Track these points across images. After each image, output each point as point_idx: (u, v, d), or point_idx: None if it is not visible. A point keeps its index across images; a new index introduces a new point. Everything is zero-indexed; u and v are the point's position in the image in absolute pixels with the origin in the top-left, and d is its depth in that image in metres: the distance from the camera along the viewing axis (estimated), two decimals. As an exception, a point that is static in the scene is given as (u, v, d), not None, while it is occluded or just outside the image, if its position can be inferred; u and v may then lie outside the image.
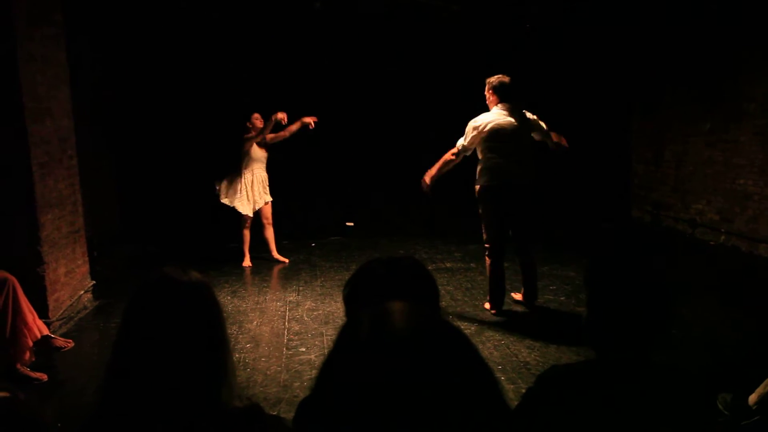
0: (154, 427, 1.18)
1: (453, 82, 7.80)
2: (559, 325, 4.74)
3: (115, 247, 7.02)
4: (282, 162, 6.93)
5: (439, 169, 5.00)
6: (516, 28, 7.95)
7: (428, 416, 0.67)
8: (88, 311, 5.26)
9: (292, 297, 5.58)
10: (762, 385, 3.08)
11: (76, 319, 5.03)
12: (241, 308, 5.29)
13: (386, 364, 0.69)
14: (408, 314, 0.76)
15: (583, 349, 3.92)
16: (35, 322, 3.94)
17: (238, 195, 6.46)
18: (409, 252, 7.14)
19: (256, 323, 4.93)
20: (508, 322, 4.80)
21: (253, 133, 6.44)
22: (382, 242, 7.73)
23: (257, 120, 6.49)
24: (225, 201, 6.46)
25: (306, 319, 4.98)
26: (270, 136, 6.53)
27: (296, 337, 4.56)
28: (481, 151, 4.86)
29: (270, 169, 6.67)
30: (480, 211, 4.96)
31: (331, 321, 4.88)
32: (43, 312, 4.38)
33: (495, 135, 4.77)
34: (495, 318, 4.89)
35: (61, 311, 4.80)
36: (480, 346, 4.10)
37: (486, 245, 4.94)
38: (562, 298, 5.36)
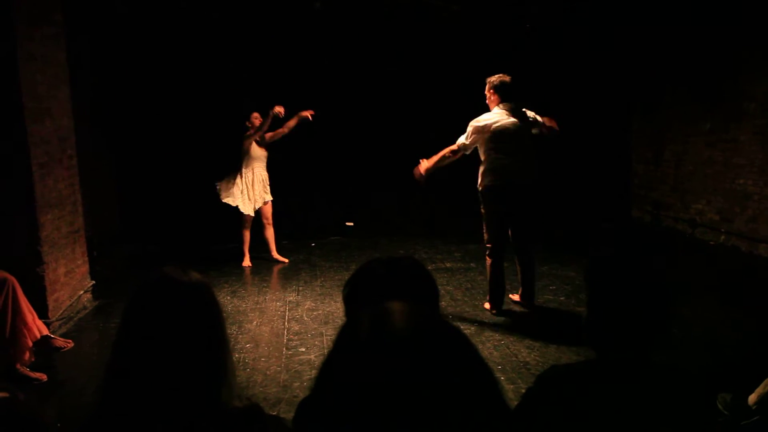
0: (154, 427, 1.18)
1: (453, 82, 7.80)
2: (559, 325, 4.73)
3: (115, 247, 7.02)
4: (282, 161, 6.93)
5: (436, 163, 4.98)
6: (516, 28, 7.95)
7: (428, 416, 0.67)
8: (87, 311, 5.26)
9: (291, 297, 5.58)
10: (762, 385, 3.08)
11: (75, 319, 5.03)
12: (240, 308, 5.29)
13: (386, 364, 0.69)
14: (408, 314, 0.76)
15: (583, 349, 3.92)
16: (35, 322, 3.94)
17: (239, 194, 6.46)
18: (409, 252, 7.14)
19: (256, 323, 4.93)
20: (507, 322, 4.80)
21: (252, 132, 6.44)
22: (382, 242, 7.73)
23: (256, 119, 6.50)
24: (227, 200, 6.46)
25: (306, 319, 4.98)
26: (269, 135, 6.53)
27: (296, 337, 4.56)
28: (485, 152, 4.86)
29: (270, 168, 6.67)
30: (482, 210, 4.96)
31: (330, 321, 4.87)
32: (42, 312, 4.38)
33: (499, 135, 4.77)
34: (495, 318, 4.89)
35: (61, 311, 4.80)
36: (480, 346, 4.11)
37: (487, 245, 4.94)
38: (561, 298, 5.36)
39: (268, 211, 6.67)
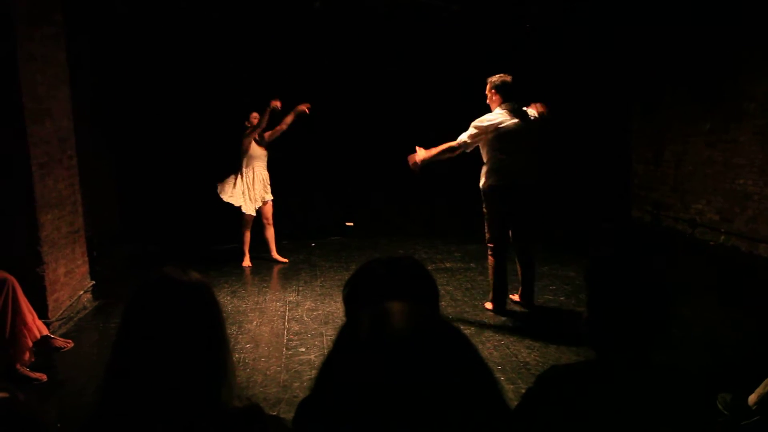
0: (154, 427, 1.18)
1: (453, 82, 7.80)
2: (559, 325, 4.73)
3: (115, 247, 7.02)
4: (282, 161, 6.93)
5: (434, 156, 4.94)
6: (516, 28, 7.95)
7: (428, 416, 0.67)
8: (87, 311, 5.26)
9: (291, 297, 5.58)
10: (762, 386, 3.08)
11: (75, 319, 5.03)
12: (240, 308, 5.29)
13: (386, 364, 0.69)
14: (408, 314, 0.76)
15: (583, 349, 3.92)
16: (35, 323, 3.94)
17: (240, 194, 6.46)
18: (408, 252, 7.14)
19: (256, 323, 4.93)
20: (507, 322, 4.80)
21: (251, 129, 6.45)
22: (382, 242, 7.73)
23: (255, 119, 6.50)
24: (230, 200, 6.45)
25: (306, 319, 4.98)
26: (268, 134, 6.55)
27: (296, 338, 4.56)
28: (489, 152, 4.85)
29: (270, 168, 6.68)
30: (484, 210, 4.95)
31: (330, 321, 4.87)
32: (42, 312, 4.38)
33: (504, 136, 4.76)
34: (495, 318, 4.89)
35: (61, 311, 4.80)
36: (480, 346, 4.10)
37: (489, 245, 4.94)
38: (561, 298, 5.36)
39: (269, 210, 6.67)
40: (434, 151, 4.95)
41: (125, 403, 1.21)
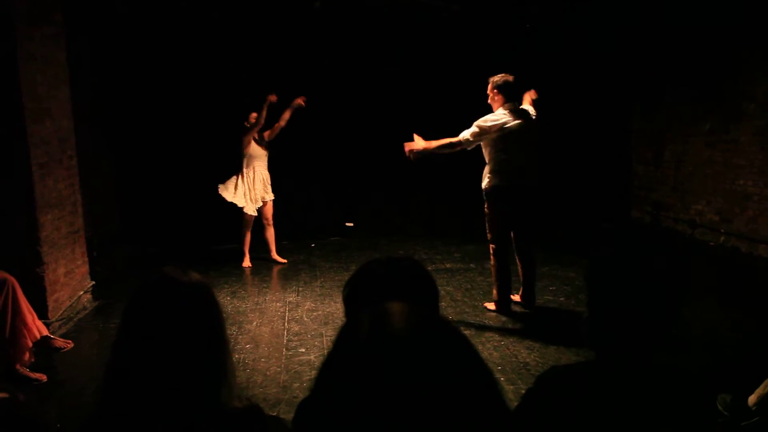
0: (154, 427, 1.18)
1: (453, 82, 7.79)
2: (559, 325, 4.73)
3: (115, 247, 7.02)
4: (282, 161, 6.93)
5: (434, 149, 4.89)
6: (516, 28, 7.95)
7: (428, 417, 0.67)
8: (87, 312, 5.26)
9: (291, 298, 5.58)
10: (761, 386, 3.08)
11: (75, 319, 5.03)
12: (240, 309, 5.29)
13: (386, 365, 0.69)
14: (407, 315, 0.76)
15: (583, 350, 3.91)
16: (35, 323, 3.94)
17: (242, 194, 6.47)
18: (408, 252, 7.14)
19: (256, 324, 4.92)
20: (507, 323, 4.80)
21: (248, 126, 6.45)
22: (382, 243, 7.73)
23: (255, 120, 6.50)
24: (234, 200, 6.46)
25: (306, 319, 4.98)
26: (267, 133, 6.56)
27: (296, 338, 4.56)
28: (492, 152, 4.83)
29: (270, 168, 6.68)
30: (487, 210, 4.94)
31: (330, 322, 4.87)
32: (42, 312, 4.38)
33: (508, 136, 4.75)
34: (495, 318, 4.89)
35: (61, 312, 4.80)
36: (480, 347, 4.11)
37: (492, 245, 4.93)
38: (561, 299, 5.36)
39: (269, 211, 6.67)
40: (434, 144, 4.90)
41: (125, 404, 1.21)
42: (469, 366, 0.73)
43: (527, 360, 4.04)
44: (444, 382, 0.69)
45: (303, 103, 6.55)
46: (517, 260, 5.03)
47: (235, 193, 6.45)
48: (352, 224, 8.32)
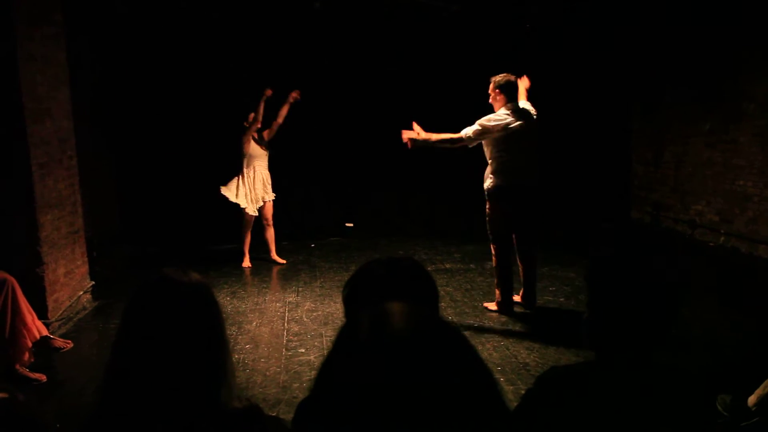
0: (154, 427, 1.18)
1: (453, 82, 7.80)
2: (559, 326, 4.73)
3: (115, 247, 7.02)
4: (282, 162, 6.93)
5: (433, 142, 4.87)
6: (516, 28, 7.95)
7: (427, 417, 0.67)
8: (87, 312, 5.26)
9: (291, 298, 5.58)
10: (761, 387, 3.07)
11: (75, 319, 5.03)
12: (240, 309, 5.29)
13: (385, 365, 0.69)
14: (407, 315, 0.76)
15: (583, 350, 3.91)
16: (34, 323, 3.94)
17: (243, 194, 6.47)
18: (408, 253, 7.14)
19: (256, 324, 4.92)
20: (507, 323, 4.80)
21: (247, 126, 6.45)
22: (382, 243, 7.73)
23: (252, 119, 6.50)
24: (237, 200, 6.46)
25: (305, 320, 4.98)
26: (266, 132, 6.56)
27: (295, 338, 4.56)
28: (494, 152, 4.82)
29: (270, 168, 6.67)
30: (489, 210, 4.93)
31: (330, 322, 4.87)
32: (42, 312, 4.38)
33: (510, 136, 4.74)
34: (494, 319, 4.89)
35: (61, 312, 4.80)
36: (479, 347, 4.11)
37: (493, 245, 4.93)
38: (561, 299, 5.36)
39: (269, 211, 6.67)
40: (434, 137, 4.86)
41: (125, 404, 1.21)
42: (469, 366, 0.73)
43: (527, 360, 4.04)
44: (444, 382, 0.69)
45: (298, 97, 6.54)
46: (518, 260, 5.03)
47: (237, 194, 6.46)
48: (351, 224, 8.32)
